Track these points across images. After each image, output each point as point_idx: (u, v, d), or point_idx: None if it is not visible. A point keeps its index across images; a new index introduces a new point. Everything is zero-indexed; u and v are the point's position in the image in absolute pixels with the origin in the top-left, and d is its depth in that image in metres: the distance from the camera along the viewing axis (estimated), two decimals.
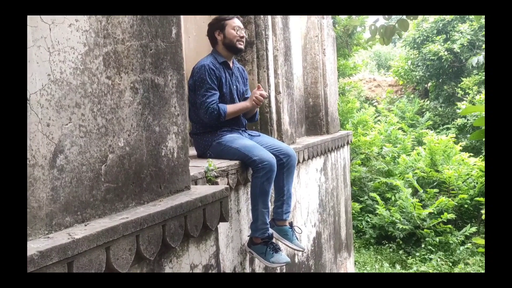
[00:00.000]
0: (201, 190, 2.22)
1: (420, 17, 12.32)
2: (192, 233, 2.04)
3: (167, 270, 1.95)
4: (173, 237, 1.90)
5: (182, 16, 3.16)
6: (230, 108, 3.18)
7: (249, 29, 3.76)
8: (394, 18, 3.31)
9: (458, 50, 12.13)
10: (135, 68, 1.86)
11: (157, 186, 1.99)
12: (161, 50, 2.03)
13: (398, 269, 7.45)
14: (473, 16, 4.99)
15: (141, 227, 1.69)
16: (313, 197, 4.60)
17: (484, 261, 7.47)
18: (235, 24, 3.27)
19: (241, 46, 3.29)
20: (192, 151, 3.26)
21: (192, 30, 4.01)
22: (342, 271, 5.63)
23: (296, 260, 4.01)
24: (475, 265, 7.41)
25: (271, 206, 3.16)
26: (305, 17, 5.62)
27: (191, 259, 2.13)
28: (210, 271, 2.28)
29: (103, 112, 1.69)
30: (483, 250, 2.40)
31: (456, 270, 7.23)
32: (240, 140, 3.09)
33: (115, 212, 1.73)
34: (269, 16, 3.89)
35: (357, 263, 7.58)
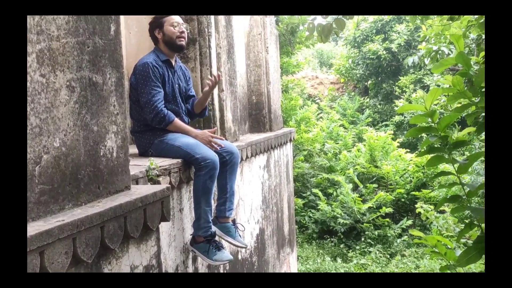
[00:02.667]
0: (141, 190, 2.19)
1: (360, 16, 12.67)
2: (132, 234, 2.01)
3: (106, 272, 1.91)
4: (112, 238, 1.87)
5: None
6: (177, 122, 3.12)
7: (192, 26, 3.73)
8: (331, 17, 3.36)
9: (396, 50, 12.62)
10: (72, 66, 1.80)
11: (95, 187, 1.94)
12: (99, 47, 1.98)
13: (339, 262, 7.68)
14: (409, 17, 5.17)
15: (78, 230, 1.65)
16: (256, 194, 4.64)
17: (419, 252, 7.84)
18: (173, 20, 3.21)
19: (182, 42, 3.23)
20: (133, 150, 3.20)
21: (133, 25, 3.93)
22: (285, 266, 5.72)
23: (240, 257, 4.04)
24: (411, 256, 7.76)
25: (214, 204, 3.16)
26: None
27: (131, 260, 2.10)
28: (151, 272, 2.25)
29: (37, 111, 1.63)
30: (419, 241, 2.50)
31: (393, 262, 7.54)
32: (182, 138, 3.06)
33: (50, 214, 1.67)
34: None
35: (300, 257, 7.73)
